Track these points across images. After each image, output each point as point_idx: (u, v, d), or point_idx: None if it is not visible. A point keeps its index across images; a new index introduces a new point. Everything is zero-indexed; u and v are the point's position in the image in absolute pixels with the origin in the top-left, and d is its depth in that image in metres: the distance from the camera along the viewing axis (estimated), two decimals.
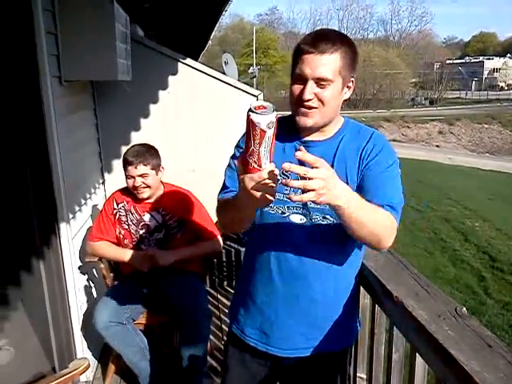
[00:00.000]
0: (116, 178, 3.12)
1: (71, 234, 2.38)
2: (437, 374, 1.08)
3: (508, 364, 0.93)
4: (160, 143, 3.36)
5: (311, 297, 1.35)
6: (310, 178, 0.97)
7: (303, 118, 1.24)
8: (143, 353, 2.33)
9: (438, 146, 31.14)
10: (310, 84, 1.20)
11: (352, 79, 1.27)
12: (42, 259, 2.22)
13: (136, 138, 3.32)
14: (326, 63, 1.18)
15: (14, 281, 2.19)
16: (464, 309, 1.14)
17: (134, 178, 2.27)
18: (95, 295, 2.79)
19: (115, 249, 2.40)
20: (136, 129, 3.33)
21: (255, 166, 0.99)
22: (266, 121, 0.94)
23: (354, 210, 1.08)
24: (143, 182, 2.28)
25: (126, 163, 2.27)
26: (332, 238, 1.29)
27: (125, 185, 2.35)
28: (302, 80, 1.21)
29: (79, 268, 2.51)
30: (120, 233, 2.39)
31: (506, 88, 52.84)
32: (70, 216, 2.38)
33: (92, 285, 2.74)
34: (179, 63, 3.32)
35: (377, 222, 1.16)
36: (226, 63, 5.21)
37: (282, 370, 1.48)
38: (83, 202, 2.70)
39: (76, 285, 2.41)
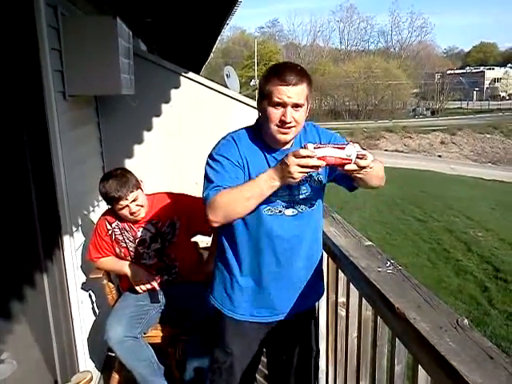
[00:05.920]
0: None
1: (74, 247, 2.39)
2: None
3: (510, 376, 0.92)
4: (163, 156, 3.41)
5: (304, 271, 1.68)
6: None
7: (284, 136, 1.50)
8: (153, 367, 2.33)
9: (440, 156, 31.15)
10: (289, 109, 1.45)
11: (310, 101, 1.54)
12: (45, 271, 2.23)
13: (139, 151, 3.35)
14: (300, 92, 1.45)
15: (17, 293, 2.19)
16: (466, 320, 1.14)
17: (127, 206, 2.24)
18: (98, 308, 2.79)
19: (117, 261, 2.40)
20: (139, 142, 3.36)
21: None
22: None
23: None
24: (137, 205, 2.26)
25: (115, 200, 2.21)
26: (315, 218, 1.66)
27: None
28: (281, 105, 1.45)
29: (82, 281, 2.52)
30: (120, 251, 2.38)
31: (507, 98, 52.79)
32: (74, 229, 2.39)
33: (95, 297, 2.74)
34: (181, 77, 3.36)
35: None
36: (227, 76, 5.24)
37: (272, 330, 1.74)
38: (86, 214, 2.71)
39: (79, 297, 2.42)
